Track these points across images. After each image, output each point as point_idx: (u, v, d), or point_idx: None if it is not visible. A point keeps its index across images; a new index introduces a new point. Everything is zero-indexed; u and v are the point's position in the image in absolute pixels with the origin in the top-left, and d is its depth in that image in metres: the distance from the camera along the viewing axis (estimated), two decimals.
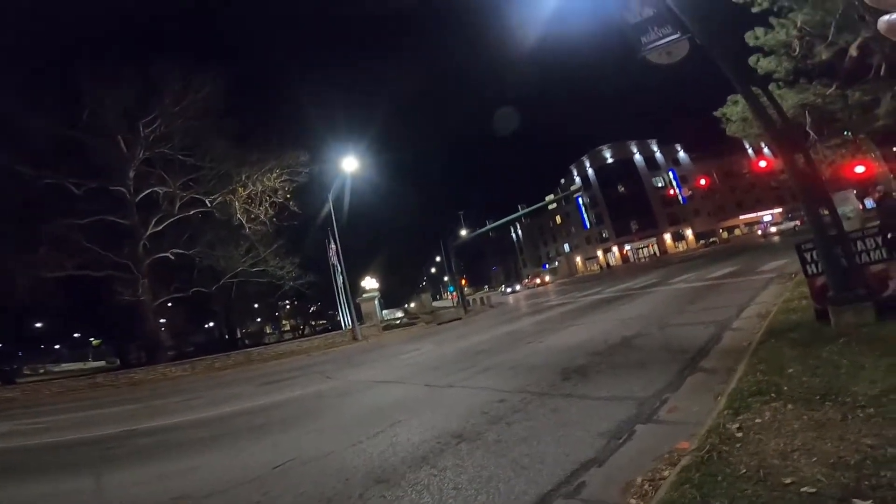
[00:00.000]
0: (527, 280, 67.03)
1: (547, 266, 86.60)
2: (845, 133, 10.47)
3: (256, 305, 53.62)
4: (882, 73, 8.16)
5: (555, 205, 70.59)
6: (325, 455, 4.38)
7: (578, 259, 78.05)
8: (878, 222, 7.02)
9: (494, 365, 7.76)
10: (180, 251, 23.53)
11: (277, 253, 25.87)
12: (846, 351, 4.00)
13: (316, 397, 8.13)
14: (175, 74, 21.24)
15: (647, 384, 4.72)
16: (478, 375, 7.11)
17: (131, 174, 21.90)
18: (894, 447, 2.26)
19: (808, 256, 5.45)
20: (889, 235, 5.39)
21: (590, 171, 71.85)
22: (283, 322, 73.09)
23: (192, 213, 23.47)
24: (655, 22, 5.66)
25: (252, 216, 23.11)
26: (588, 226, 74.39)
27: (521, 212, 51.10)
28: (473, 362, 8.51)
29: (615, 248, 69.29)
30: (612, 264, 67.13)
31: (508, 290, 58.81)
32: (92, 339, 60.25)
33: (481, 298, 39.02)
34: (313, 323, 64.62)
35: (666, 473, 2.64)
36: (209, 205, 23.03)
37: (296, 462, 4.33)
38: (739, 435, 2.82)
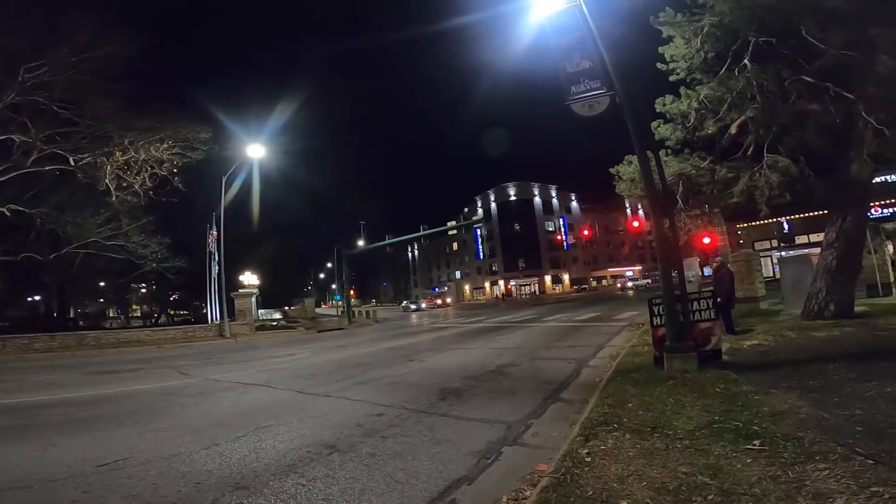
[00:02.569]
0: (427, 300, 65.99)
1: (437, 290, 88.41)
2: (705, 206, 12.35)
3: (102, 284, 46.28)
4: (749, 153, 9.80)
5: (455, 231, 72.88)
6: (169, 456, 3.96)
7: (467, 287, 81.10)
8: (711, 288, 8.52)
9: (373, 379, 7.72)
10: (19, 208, 19.51)
11: (144, 229, 22.78)
12: (673, 391, 4.83)
13: (164, 394, 7.35)
14: (84, 25, 18.04)
15: (516, 409, 5.09)
16: (356, 387, 7.01)
17: None
18: (703, 475, 2.75)
19: (655, 310, 6.42)
20: (718, 300, 6.64)
21: (493, 205, 75.82)
22: (134, 307, 64.02)
23: (47, 168, 19.66)
24: (588, 75, 6.34)
25: (124, 184, 20.05)
26: (482, 257, 77.94)
27: (422, 232, 52.02)
28: (352, 374, 8.39)
29: (501, 282, 73.46)
30: (501, 297, 70.46)
31: (413, 307, 53.78)
32: None
33: (367, 312, 38.44)
34: (172, 312, 57.70)
35: (528, 493, 2.88)
36: (73, 164, 19.52)
37: (130, 462, 3.85)
38: (588, 460, 3.20)
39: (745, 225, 36.63)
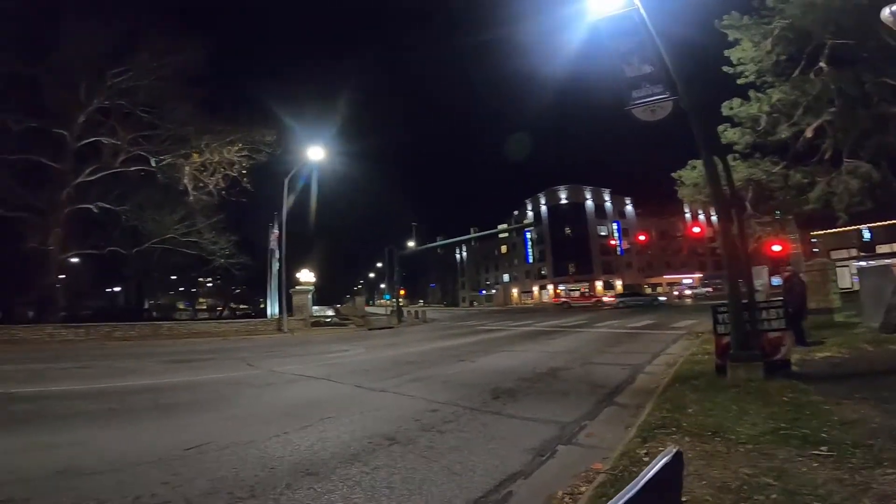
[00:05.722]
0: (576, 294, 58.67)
1: (484, 292, 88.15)
2: (776, 212, 11.72)
3: (174, 278, 50.02)
4: (826, 157, 9.22)
5: (505, 234, 72.41)
6: (245, 442, 4.16)
7: (515, 291, 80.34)
8: (781, 298, 8.09)
9: (426, 377, 7.90)
10: (106, 206, 21.63)
11: (215, 227, 24.52)
12: (736, 399, 4.70)
13: (234, 383, 7.71)
14: (161, 31, 20.06)
15: (569, 411, 5.10)
16: (409, 384, 7.21)
17: (81, 120, 20.10)
18: (767, 476, 2.73)
19: (720, 317, 6.24)
20: (789, 310, 6.35)
21: (543, 208, 74.71)
22: (201, 300, 68.63)
23: (132, 169, 21.75)
24: (650, 79, 6.23)
25: (200, 184, 21.78)
26: (531, 260, 76.91)
27: (472, 235, 52.18)
28: (405, 371, 8.61)
29: (550, 287, 72.14)
30: (565, 300, 67.88)
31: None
32: None
33: (416, 312, 39.10)
34: (234, 306, 61.27)
35: (583, 489, 2.95)
36: (154, 165, 21.44)
37: (211, 447, 4.04)
38: (646, 459, 3.22)
39: (822, 233, 33.90)
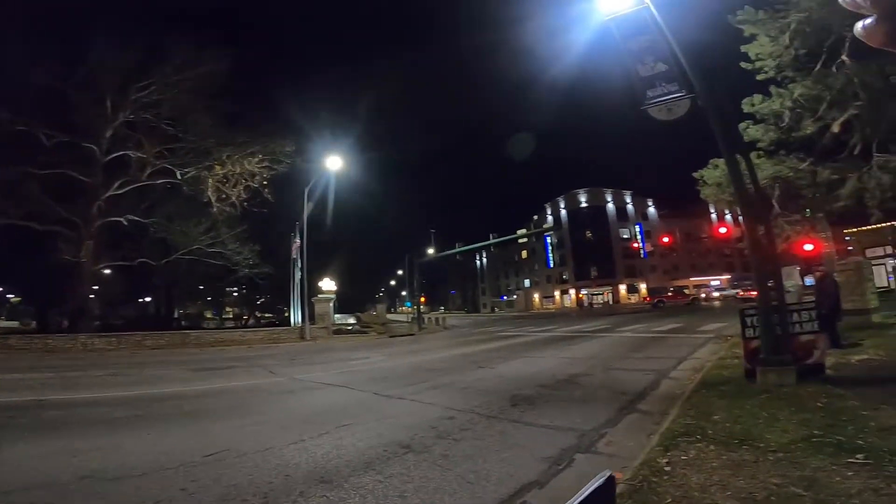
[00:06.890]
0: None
1: (505, 298, 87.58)
2: (806, 211, 11.29)
3: (202, 287, 51.34)
4: (856, 152, 8.85)
5: (525, 239, 71.92)
6: (263, 449, 4.21)
7: (536, 296, 79.54)
8: (814, 299, 7.77)
9: (445, 384, 7.84)
10: (136, 218, 22.38)
11: (238, 237, 25.05)
12: (766, 405, 4.50)
13: (256, 391, 7.82)
14: (182, 46, 20.76)
15: (589, 418, 4.96)
16: (428, 391, 7.17)
17: (108, 134, 20.89)
18: (796, 486, 2.59)
19: (748, 321, 6.00)
20: (823, 311, 6.09)
21: (563, 212, 73.95)
22: (227, 309, 70.28)
23: (159, 181, 22.42)
24: (665, 78, 6.07)
25: (223, 196, 22.34)
26: (552, 265, 76.13)
27: (492, 240, 52.02)
28: (424, 378, 8.57)
29: (572, 291, 71.14)
30: (591, 304, 66.83)
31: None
32: (11, 296, 55.91)
33: (436, 318, 39.09)
34: (259, 315, 62.44)
35: None
36: (179, 177, 22.10)
37: (230, 453, 4.10)
38: (668, 469, 3.11)
39: (855, 230, 32.46)
